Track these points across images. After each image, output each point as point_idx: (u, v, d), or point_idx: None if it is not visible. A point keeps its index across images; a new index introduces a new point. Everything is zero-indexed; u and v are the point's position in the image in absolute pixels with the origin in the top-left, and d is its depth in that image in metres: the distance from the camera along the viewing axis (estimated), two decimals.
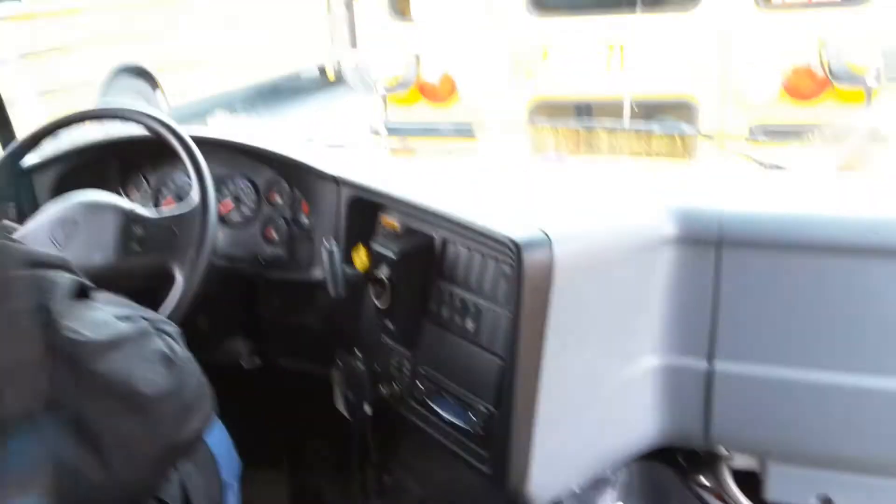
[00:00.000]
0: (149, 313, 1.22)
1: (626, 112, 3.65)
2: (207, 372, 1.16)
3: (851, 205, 1.40)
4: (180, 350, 1.10)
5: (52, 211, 1.44)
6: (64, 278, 0.99)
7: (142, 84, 1.93)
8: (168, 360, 1.04)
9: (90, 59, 6.59)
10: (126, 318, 1.08)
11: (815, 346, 1.29)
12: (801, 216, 1.33)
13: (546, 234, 1.21)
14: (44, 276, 0.97)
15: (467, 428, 1.32)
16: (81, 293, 1.01)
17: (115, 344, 0.98)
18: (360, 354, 1.49)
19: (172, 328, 1.18)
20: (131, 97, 1.83)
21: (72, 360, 0.93)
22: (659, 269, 1.32)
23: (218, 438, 1.51)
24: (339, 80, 9.58)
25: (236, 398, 1.91)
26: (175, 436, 1.03)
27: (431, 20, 4.27)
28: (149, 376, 1.00)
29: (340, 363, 1.50)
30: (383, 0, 4.31)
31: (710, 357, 1.34)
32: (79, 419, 0.95)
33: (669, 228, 1.32)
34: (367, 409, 1.50)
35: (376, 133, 3.76)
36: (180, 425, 1.03)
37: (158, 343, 1.05)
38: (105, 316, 1.02)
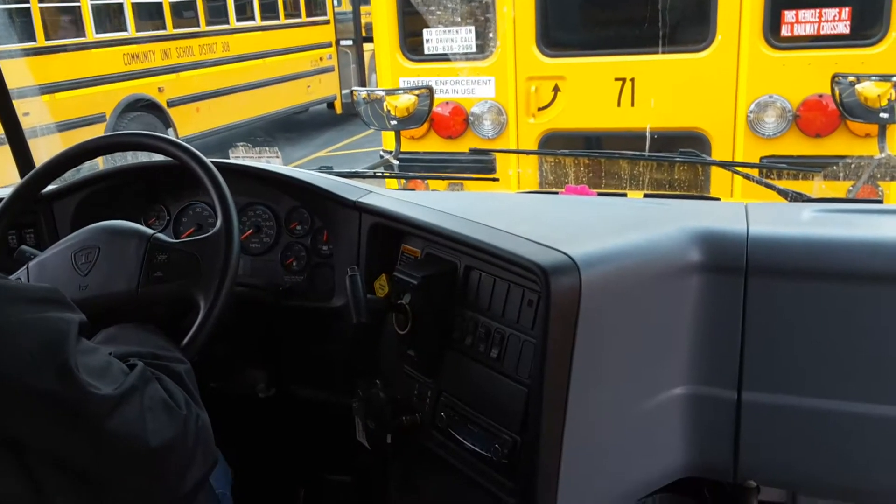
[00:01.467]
0: (159, 349, 1.22)
1: (647, 142, 3.66)
2: (223, 401, 1.14)
3: (881, 231, 1.39)
4: (180, 393, 1.10)
5: (73, 237, 1.43)
6: (72, 319, 0.98)
7: (152, 119, 1.94)
8: (169, 407, 1.04)
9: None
10: (125, 358, 1.07)
11: (847, 376, 1.27)
12: (828, 242, 1.31)
13: (573, 259, 1.19)
14: (51, 316, 0.96)
15: (491, 457, 1.29)
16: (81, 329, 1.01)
17: (125, 397, 0.98)
18: (380, 383, 1.48)
19: (182, 366, 1.18)
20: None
21: (86, 416, 0.94)
22: (686, 297, 1.31)
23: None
24: (349, 113, 9.68)
25: (252, 428, 1.90)
26: (179, 487, 1.04)
27: (443, 55, 4.32)
28: (154, 427, 1.00)
29: (360, 392, 1.48)
30: (395, 36, 4.36)
31: (739, 387, 1.31)
32: (85, 473, 0.96)
33: (695, 255, 1.30)
34: (388, 438, 1.48)
35: (389, 166, 3.77)
36: (184, 475, 1.04)
37: (158, 389, 1.06)
38: (105, 358, 1.02)
